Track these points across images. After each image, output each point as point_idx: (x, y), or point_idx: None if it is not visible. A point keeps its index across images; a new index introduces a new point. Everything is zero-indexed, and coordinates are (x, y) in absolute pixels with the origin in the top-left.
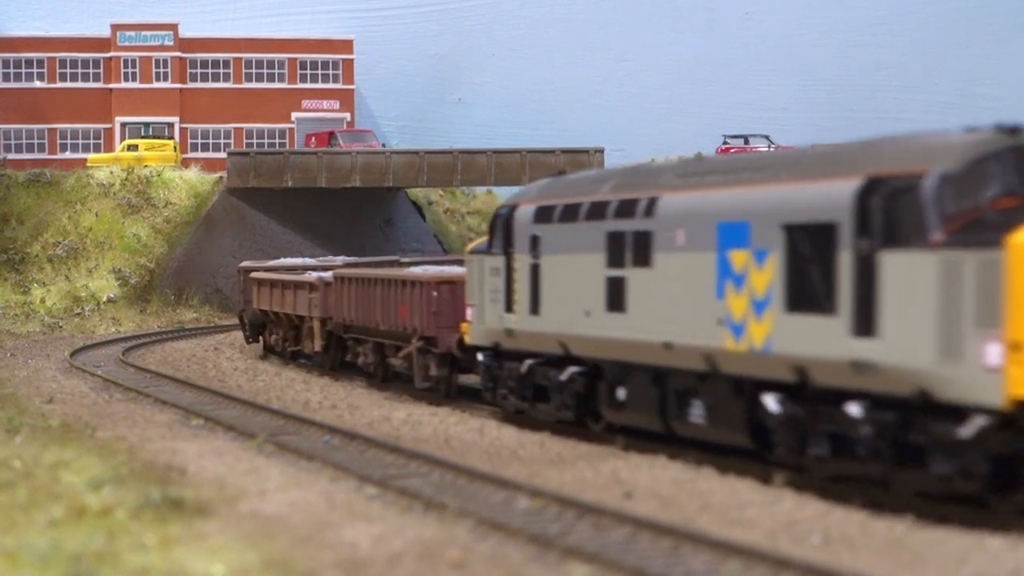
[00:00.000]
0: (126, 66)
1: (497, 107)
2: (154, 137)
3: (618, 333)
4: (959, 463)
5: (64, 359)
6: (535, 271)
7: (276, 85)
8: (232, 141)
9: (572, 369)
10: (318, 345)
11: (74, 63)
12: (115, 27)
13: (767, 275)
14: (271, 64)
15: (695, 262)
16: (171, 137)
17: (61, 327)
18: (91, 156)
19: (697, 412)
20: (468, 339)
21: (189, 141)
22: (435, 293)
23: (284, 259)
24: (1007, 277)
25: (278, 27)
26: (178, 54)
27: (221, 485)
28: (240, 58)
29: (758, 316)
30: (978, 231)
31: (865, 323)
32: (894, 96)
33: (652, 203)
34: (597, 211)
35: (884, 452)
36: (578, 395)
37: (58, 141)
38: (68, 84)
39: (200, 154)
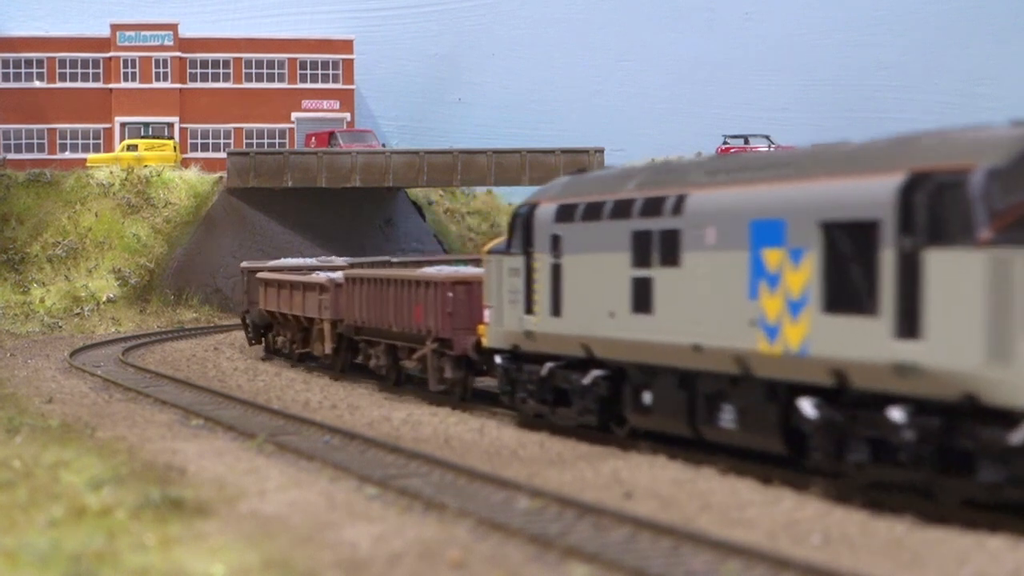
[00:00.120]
0: (126, 66)
1: (497, 107)
2: (154, 137)
3: (644, 335)
4: (1009, 470)
5: (64, 359)
6: (556, 271)
7: (276, 85)
8: (232, 141)
9: (595, 372)
10: (328, 348)
11: (74, 63)
12: (115, 27)
13: (803, 274)
14: (271, 64)
15: (726, 261)
16: (171, 137)
17: (61, 327)
18: (91, 156)
19: (728, 417)
20: (485, 341)
21: (189, 141)
22: (451, 294)
23: (286, 259)
24: None
25: (278, 27)
26: (178, 54)
27: (221, 485)
28: (240, 58)
29: (794, 317)
30: None
31: (909, 324)
32: (894, 96)
33: (680, 201)
34: (622, 209)
35: (928, 459)
36: (601, 399)
37: (58, 141)
38: (68, 84)
39: (200, 154)
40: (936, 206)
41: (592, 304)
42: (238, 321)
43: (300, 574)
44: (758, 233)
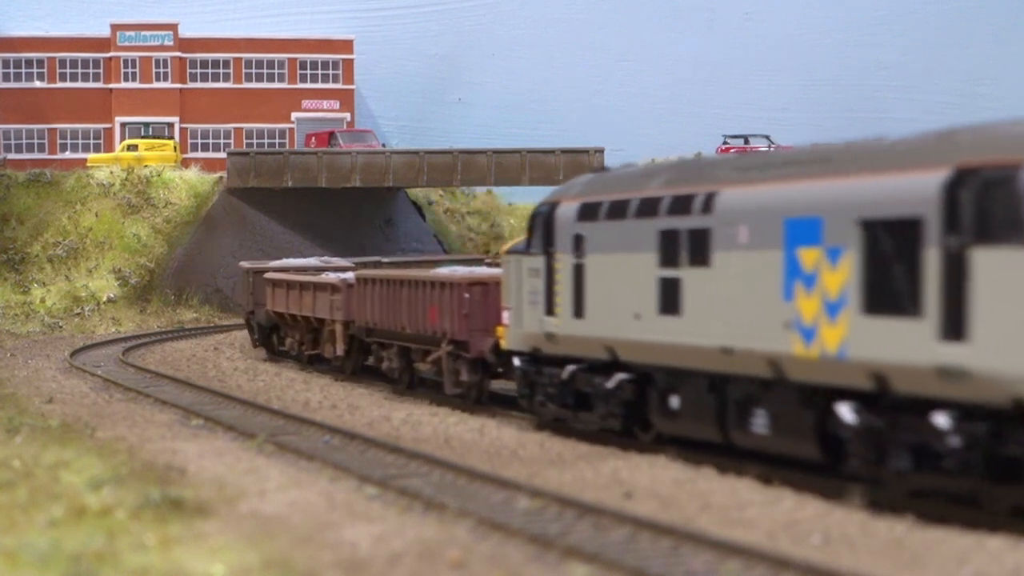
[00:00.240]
0: (126, 66)
1: (497, 107)
2: (154, 137)
3: (672, 337)
4: None
5: (64, 359)
6: (579, 272)
7: (276, 85)
8: (232, 141)
9: (620, 376)
10: (340, 349)
11: (74, 63)
12: (115, 27)
13: (842, 275)
14: (271, 64)
15: (759, 261)
16: (171, 137)
17: (61, 327)
18: (91, 156)
19: (760, 422)
20: (504, 343)
21: (189, 141)
22: (467, 295)
23: (288, 259)
24: None
25: (278, 27)
26: (178, 54)
27: (221, 485)
28: (240, 58)
29: (831, 319)
30: None
31: (954, 326)
32: (894, 96)
33: (710, 198)
34: (648, 208)
35: (975, 466)
36: (626, 403)
37: (58, 141)
38: (68, 84)
39: (200, 154)
40: (984, 203)
41: (617, 305)
42: (238, 321)
43: (300, 574)
44: (793, 231)
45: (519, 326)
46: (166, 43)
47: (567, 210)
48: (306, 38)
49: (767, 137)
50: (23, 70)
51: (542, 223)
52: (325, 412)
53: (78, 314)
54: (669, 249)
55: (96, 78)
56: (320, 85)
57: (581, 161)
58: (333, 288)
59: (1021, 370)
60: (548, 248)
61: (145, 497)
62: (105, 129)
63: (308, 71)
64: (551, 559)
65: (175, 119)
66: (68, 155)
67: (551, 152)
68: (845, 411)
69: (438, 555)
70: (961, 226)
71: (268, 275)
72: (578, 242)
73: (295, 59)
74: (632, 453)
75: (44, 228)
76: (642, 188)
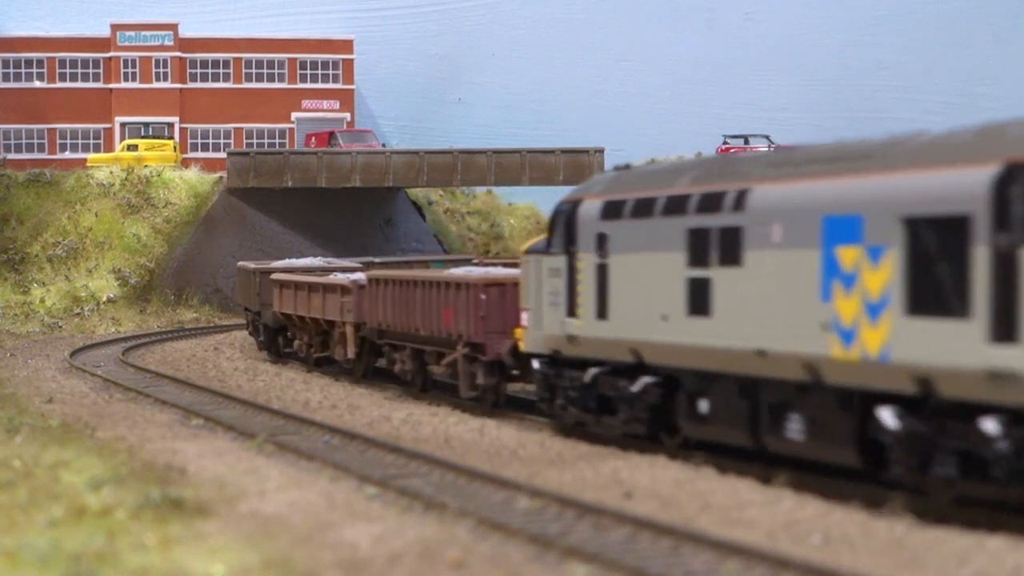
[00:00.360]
0: (126, 66)
1: (497, 107)
2: (154, 137)
3: (701, 339)
4: None
5: (64, 359)
6: (602, 272)
7: (276, 85)
8: (232, 141)
9: (646, 379)
10: (351, 352)
11: (74, 63)
12: (115, 27)
13: (883, 274)
14: (271, 64)
15: (795, 260)
16: (171, 137)
17: (61, 327)
18: (91, 156)
19: (795, 427)
20: (523, 346)
21: (189, 141)
22: (483, 296)
23: (289, 260)
24: None
25: (278, 27)
26: (178, 54)
27: (221, 485)
28: (240, 58)
29: (873, 320)
30: None
31: (1005, 328)
32: (894, 96)
33: (742, 195)
34: (676, 205)
35: None
36: (652, 407)
37: (58, 141)
38: (68, 84)
39: (200, 154)
40: None
41: (642, 306)
42: (238, 321)
43: (300, 574)
44: (831, 229)
45: (539, 328)
46: (166, 43)
47: (590, 208)
48: (306, 38)
49: (767, 137)
50: (23, 70)
51: (563, 222)
52: (325, 412)
53: (78, 314)
54: (698, 248)
55: (96, 78)
56: (320, 85)
57: (581, 161)
58: (343, 289)
59: None
60: (570, 247)
61: (145, 497)
62: (105, 129)
63: (308, 71)
64: (551, 559)
65: (175, 119)
66: (68, 155)
67: (551, 152)
68: (887, 416)
69: (438, 555)
70: (1011, 224)
71: (275, 276)
72: (601, 241)
73: (295, 59)
74: (632, 453)
75: (44, 228)
76: (668, 186)
